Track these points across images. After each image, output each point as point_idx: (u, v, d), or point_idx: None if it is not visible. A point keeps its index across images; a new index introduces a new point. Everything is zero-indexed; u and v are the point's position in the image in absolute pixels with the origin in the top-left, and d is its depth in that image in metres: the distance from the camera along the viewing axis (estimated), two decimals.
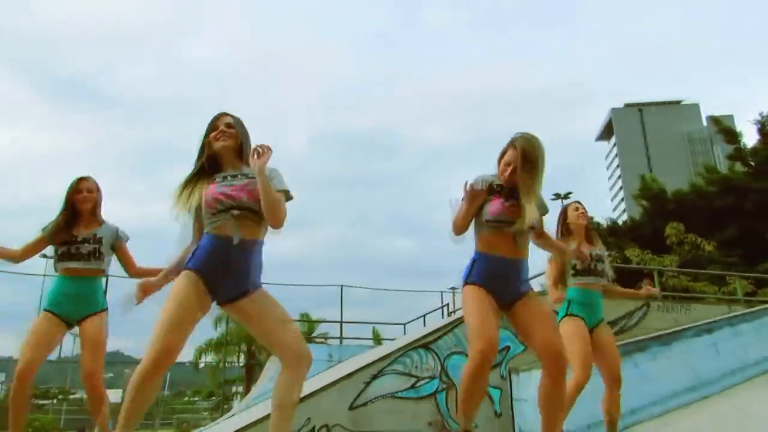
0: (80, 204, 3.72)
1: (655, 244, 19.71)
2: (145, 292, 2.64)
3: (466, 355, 6.83)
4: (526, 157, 2.94)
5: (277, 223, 2.55)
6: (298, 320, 20.42)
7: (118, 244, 3.83)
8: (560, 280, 4.04)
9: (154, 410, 30.05)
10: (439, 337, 6.93)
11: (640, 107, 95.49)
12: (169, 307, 2.41)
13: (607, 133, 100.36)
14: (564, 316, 4.04)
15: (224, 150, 2.70)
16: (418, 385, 6.64)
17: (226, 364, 26.47)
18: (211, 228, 2.54)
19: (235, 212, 2.52)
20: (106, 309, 3.75)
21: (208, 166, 2.71)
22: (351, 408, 6.31)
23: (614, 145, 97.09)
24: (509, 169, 3.00)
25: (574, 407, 3.97)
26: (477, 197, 2.93)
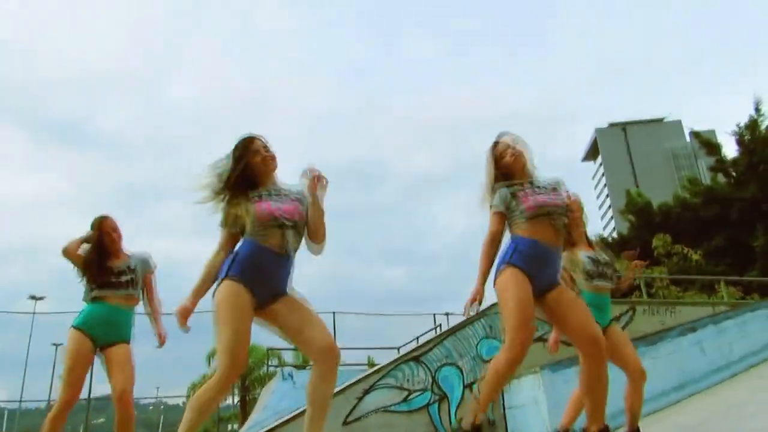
0: (110, 245, 3.93)
1: (644, 257, 19.86)
2: (185, 317, 2.69)
3: (456, 366, 6.91)
4: (516, 141, 3.11)
5: (323, 241, 2.82)
6: (290, 349, 20.29)
7: (147, 276, 4.03)
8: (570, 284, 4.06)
9: None
10: (430, 350, 7.01)
11: (623, 126, 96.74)
12: (229, 318, 2.52)
13: (592, 153, 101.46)
14: None
15: (267, 168, 2.87)
16: (410, 398, 6.69)
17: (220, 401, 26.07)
18: (260, 239, 2.66)
19: (290, 227, 2.70)
20: (129, 340, 3.86)
21: (240, 182, 2.82)
22: (344, 423, 6.34)
23: (600, 164, 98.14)
24: (510, 152, 3.09)
25: (564, 409, 4.08)
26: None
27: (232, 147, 2.85)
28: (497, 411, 6.70)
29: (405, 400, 6.61)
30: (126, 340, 3.83)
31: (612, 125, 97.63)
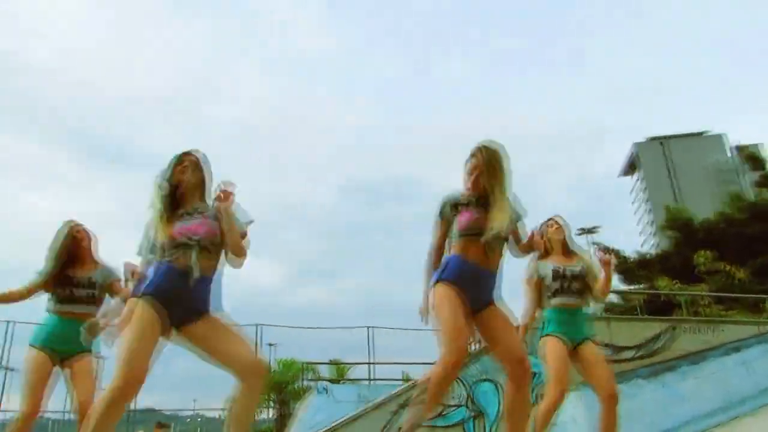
0: (75, 249, 3.81)
1: (686, 274, 19.43)
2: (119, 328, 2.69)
3: (494, 383, 6.86)
4: (489, 161, 3.03)
5: (242, 256, 2.79)
6: (326, 363, 20.35)
7: (114, 286, 3.86)
8: (538, 301, 4.00)
9: None
10: (466, 366, 6.96)
11: (662, 140, 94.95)
12: (135, 332, 2.50)
13: (630, 168, 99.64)
14: (541, 337, 3.94)
15: (188, 186, 2.85)
16: (446, 413, 6.65)
17: (257, 415, 26.23)
18: (171, 259, 2.65)
19: (193, 246, 2.66)
20: (91, 350, 3.76)
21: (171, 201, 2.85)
22: None
23: (638, 179, 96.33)
24: (474, 175, 3.05)
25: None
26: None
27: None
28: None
29: (441, 415, 6.57)
30: (85, 349, 3.71)
31: (651, 139, 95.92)
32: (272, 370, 25.09)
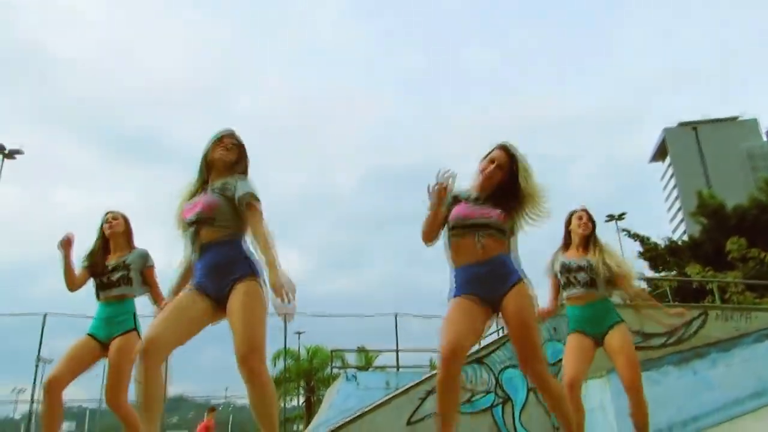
0: (107, 231, 3.99)
1: (717, 261, 19.07)
2: None
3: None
4: (511, 156, 2.97)
5: (259, 228, 2.72)
6: (353, 351, 20.57)
7: (143, 270, 3.99)
8: (556, 294, 4.03)
9: None
10: (492, 352, 7.00)
11: (694, 126, 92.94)
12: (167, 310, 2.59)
13: (660, 153, 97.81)
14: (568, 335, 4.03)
15: (218, 164, 2.88)
16: (473, 399, 6.70)
17: (286, 402, 26.62)
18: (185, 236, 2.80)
19: (193, 223, 2.72)
20: (134, 329, 3.84)
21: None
22: (408, 424, 6.43)
23: (669, 165, 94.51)
24: (492, 166, 2.97)
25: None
26: (440, 195, 2.84)
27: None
28: None
29: (468, 401, 6.62)
30: (126, 330, 3.79)
31: (682, 125, 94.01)
32: (300, 357, 25.47)
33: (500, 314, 2.89)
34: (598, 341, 3.88)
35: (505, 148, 3.00)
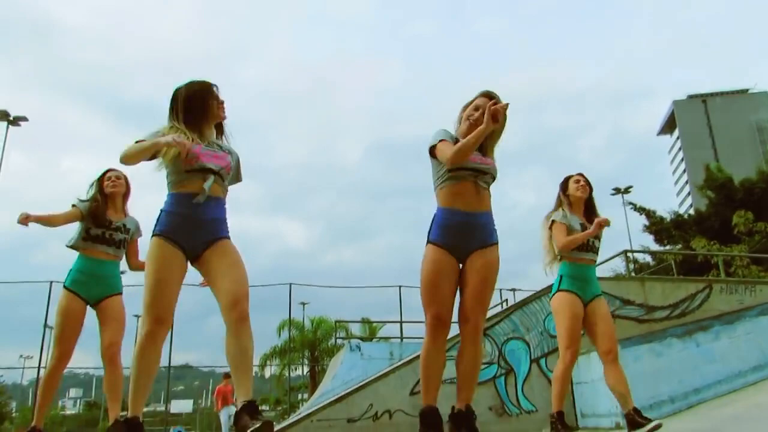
0: (109, 189, 3.92)
1: (723, 235, 19.02)
2: None
3: (523, 341, 6.92)
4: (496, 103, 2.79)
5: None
6: (357, 322, 20.72)
7: (134, 238, 4.03)
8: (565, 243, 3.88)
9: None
10: (496, 323, 7.02)
11: (704, 98, 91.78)
12: (151, 275, 2.56)
13: (669, 126, 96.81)
14: (557, 291, 3.95)
15: (212, 120, 2.89)
16: None
17: (291, 372, 26.90)
18: (178, 186, 2.68)
19: (208, 173, 2.70)
20: (122, 292, 3.91)
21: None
22: (412, 393, 6.48)
23: (677, 138, 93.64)
24: (477, 113, 2.88)
25: (634, 387, 3.80)
26: (498, 114, 2.62)
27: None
28: None
29: None
30: (118, 291, 3.84)
31: (691, 97, 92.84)
32: (305, 328, 25.68)
33: (465, 263, 2.87)
34: (584, 305, 3.89)
35: (489, 96, 2.94)
